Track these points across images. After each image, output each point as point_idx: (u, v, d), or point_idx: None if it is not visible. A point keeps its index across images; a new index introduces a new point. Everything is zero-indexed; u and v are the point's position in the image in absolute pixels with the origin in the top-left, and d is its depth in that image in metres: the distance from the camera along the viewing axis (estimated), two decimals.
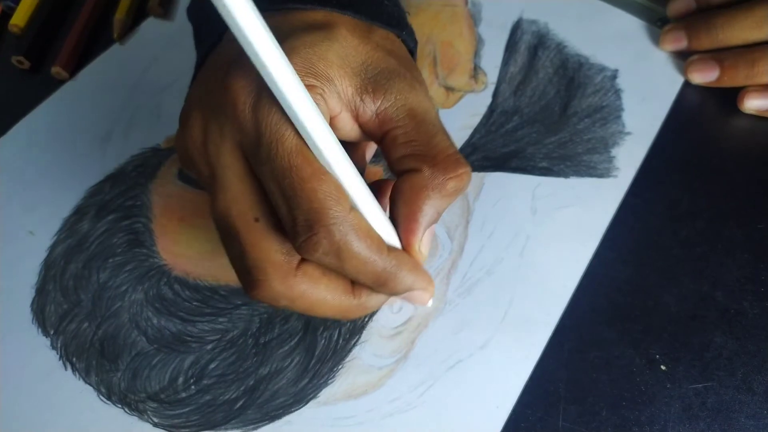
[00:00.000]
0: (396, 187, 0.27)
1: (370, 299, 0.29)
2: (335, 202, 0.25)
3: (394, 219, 0.28)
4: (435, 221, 0.28)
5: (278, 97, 0.24)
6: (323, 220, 0.24)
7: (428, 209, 0.27)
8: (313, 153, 0.25)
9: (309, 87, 0.25)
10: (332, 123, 0.27)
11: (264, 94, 0.24)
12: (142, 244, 0.39)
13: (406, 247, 0.28)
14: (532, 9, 0.49)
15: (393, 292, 0.28)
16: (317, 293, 0.27)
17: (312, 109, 0.24)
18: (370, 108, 0.27)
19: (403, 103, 0.27)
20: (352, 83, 0.27)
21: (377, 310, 0.37)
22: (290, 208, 0.25)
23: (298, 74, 0.24)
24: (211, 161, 0.27)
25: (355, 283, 0.28)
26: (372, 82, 0.27)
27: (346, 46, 0.27)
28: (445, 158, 0.26)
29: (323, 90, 0.26)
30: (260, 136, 0.25)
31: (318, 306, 0.28)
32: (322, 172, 0.25)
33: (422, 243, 0.28)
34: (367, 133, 0.28)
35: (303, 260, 0.27)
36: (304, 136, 0.24)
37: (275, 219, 0.26)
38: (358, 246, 0.25)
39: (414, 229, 0.27)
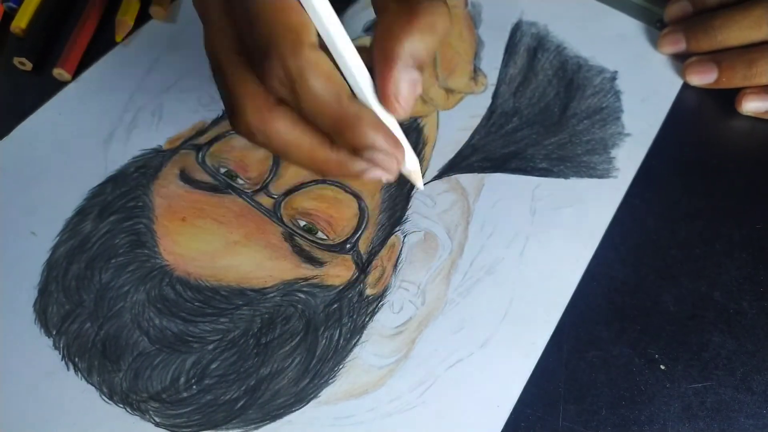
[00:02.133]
0: (374, 33, 0.27)
1: (351, 160, 0.28)
2: (296, 34, 0.25)
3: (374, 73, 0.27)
4: (411, 65, 0.26)
5: None
6: (279, 48, 0.25)
7: (401, 47, 0.26)
8: None
9: None
10: None
11: None
12: (144, 245, 0.39)
13: (382, 96, 0.27)
14: (531, 11, 0.49)
15: (354, 145, 0.27)
16: (293, 134, 0.27)
17: None
18: None
19: None
20: None
21: (382, 308, 0.37)
22: (252, 34, 0.25)
23: None
24: (204, 1, 0.28)
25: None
26: None
27: None
28: None
29: None
30: None
31: (294, 149, 0.28)
32: (296, 9, 0.25)
33: (399, 91, 0.27)
34: None
35: (286, 106, 0.27)
36: None
37: None
38: (315, 82, 0.25)
39: (386, 71, 0.26)
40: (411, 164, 0.30)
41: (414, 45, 0.26)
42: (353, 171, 0.29)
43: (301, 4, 0.25)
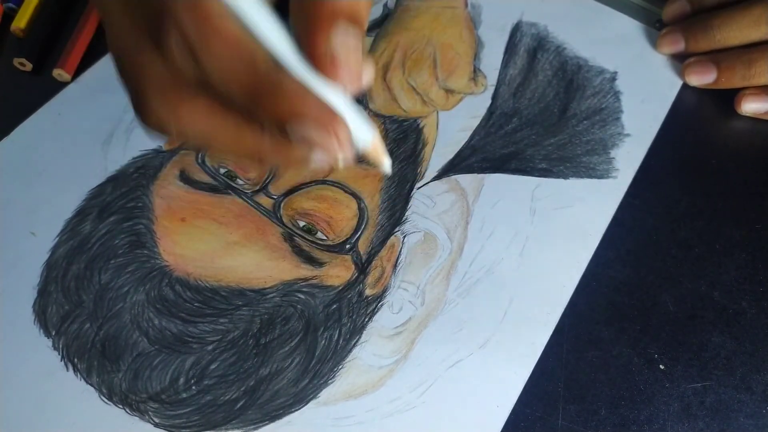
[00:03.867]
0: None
1: (286, 144, 0.23)
2: None
3: (299, 41, 0.23)
4: (343, 17, 0.22)
5: None
6: (174, 7, 0.21)
7: None
8: None
9: None
10: None
11: None
12: (143, 245, 0.39)
13: (313, 58, 0.22)
14: (531, 12, 0.49)
15: (275, 117, 0.22)
16: (212, 121, 0.23)
17: None
18: None
19: None
20: None
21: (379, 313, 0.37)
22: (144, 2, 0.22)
23: None
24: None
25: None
26: None
27: None
28: None
29: None
30: None
31: (217, 138, 0.24)
32: None
33: (335, 49, 0.22)
34: None
35: (197, 88, 0.23)
36: None
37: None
38: (220, 45, 0.21)
39: (317, 27, 0.22)
40: (364, 137, 0.24)
41: None
42: (291, 156, 0.24)
43: None
